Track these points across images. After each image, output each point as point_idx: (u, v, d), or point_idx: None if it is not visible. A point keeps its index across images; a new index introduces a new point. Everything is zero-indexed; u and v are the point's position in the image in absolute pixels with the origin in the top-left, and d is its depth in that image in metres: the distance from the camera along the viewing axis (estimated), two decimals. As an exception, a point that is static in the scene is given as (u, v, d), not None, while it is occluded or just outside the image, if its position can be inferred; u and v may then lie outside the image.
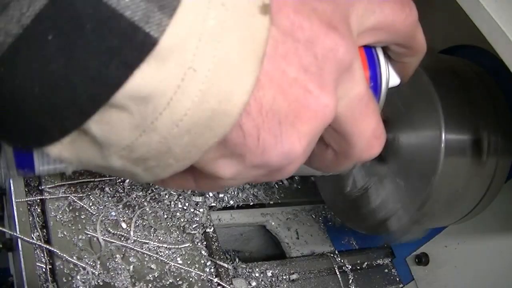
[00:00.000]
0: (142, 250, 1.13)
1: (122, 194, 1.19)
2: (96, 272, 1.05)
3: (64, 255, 1.04)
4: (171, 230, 1.21)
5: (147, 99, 0.38)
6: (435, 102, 1.10)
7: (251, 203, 1.48)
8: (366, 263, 1.54)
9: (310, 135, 0.45)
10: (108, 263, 1.09)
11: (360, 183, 1.25)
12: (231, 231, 1.54)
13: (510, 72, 0.90)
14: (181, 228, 1.22)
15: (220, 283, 1.18)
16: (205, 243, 1.24)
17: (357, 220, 1.33)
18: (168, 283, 1.12)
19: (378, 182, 1.22)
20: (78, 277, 1.03)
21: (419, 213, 1.14)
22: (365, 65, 0.55)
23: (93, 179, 1.18)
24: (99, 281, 1.05)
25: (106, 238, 1.12)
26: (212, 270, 1.20)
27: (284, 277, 1.37)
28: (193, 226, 1.23)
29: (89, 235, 1.10)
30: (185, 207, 1.25)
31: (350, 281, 1.46)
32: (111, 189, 1.19)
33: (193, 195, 1.28)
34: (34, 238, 1.07)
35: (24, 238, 1.04)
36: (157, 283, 1.11)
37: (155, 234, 1.18)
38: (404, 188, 1.17)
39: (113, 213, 1.15)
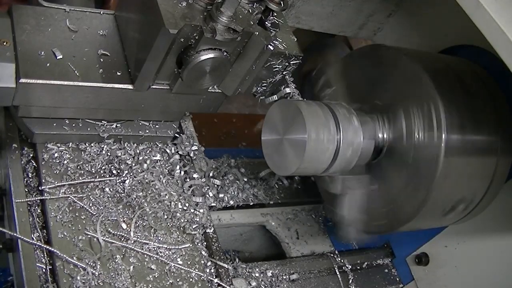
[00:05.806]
0: (142, 251, 1.13)
1: (122, 194, 1.19)
2: (96, 273, 1.05)
3: (64, 256, 1.04)
4: (171, 231, 1.20)
5: None
6: (435, 102, 1.10)
7: (251, 203, 1.48)
8: (366, 263, 1.54)
9: None
10: (108, 264, 1.09)
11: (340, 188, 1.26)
12: (231, 231, 1.54)
13: (510, 72, 0.91)
14: (181, 228, 1.22)
15: (220, 283, 1.18)
16: (205, 243, 1.24)
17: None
18: (168, 283, 1.12)
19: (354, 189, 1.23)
20: (78, 278, 1.03)
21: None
22: None
23: (93, 180, 1.18)
24: (99, 281, 1.05)
25: (106, 239, 1.12)
26: (212, 270, 1.20)
27: (284, 277, 1.37)
28: (193, 226, 1.23)
29: (89, 236, 1.10)
30: (185, 208, 1.25)
31: (350, 281, 1.46)
32: (111, 189, 1.19)
33: (193, 195, 1.28)
34: (34, 238, 1.07)
35: (24, 238, 1.04)
36: (157, 284, 1.11)
37: (155, 235, 1.18)
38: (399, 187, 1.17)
39: (113, 214, 1.15)
